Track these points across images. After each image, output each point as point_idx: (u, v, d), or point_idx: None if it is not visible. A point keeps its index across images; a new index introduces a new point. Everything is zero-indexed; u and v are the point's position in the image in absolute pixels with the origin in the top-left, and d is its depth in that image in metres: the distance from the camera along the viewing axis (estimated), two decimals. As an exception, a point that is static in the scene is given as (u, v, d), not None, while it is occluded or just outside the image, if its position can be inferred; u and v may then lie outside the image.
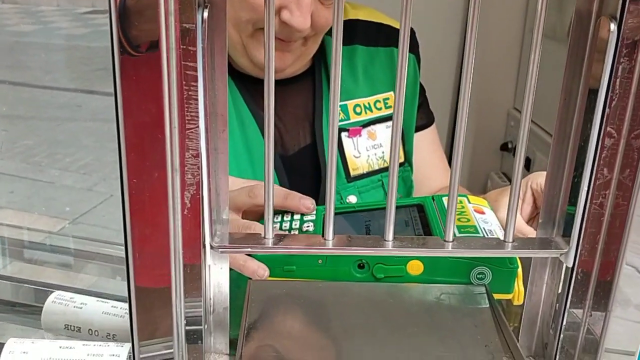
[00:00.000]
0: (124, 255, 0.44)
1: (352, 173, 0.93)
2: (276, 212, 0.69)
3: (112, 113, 0.38)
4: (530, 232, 0.70)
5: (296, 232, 0.65)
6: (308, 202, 0.67)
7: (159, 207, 0.41)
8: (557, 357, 0.50)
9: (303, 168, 0.92)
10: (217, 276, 0.49)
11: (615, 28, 0.41)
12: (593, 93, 0.44)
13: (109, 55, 0.38)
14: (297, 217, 0.68)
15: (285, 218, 0.68)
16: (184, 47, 0.39)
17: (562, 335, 0.49)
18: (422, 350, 0.51)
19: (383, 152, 0.95)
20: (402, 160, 0.99)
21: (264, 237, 0.46)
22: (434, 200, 0.68)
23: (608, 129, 0.43)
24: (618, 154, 0.43)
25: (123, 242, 0.43)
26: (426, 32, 1.08)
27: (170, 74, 0.39)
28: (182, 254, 0.43)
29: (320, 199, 0.90)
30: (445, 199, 0.67)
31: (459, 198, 0.68)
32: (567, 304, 0.48)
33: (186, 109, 0.41)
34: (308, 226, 0.66)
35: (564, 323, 0.49)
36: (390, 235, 0.46)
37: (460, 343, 0.52)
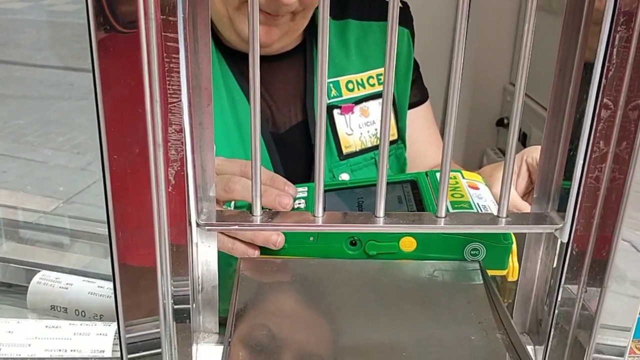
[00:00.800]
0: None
1: (345, 151, 0.91)
2: None
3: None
4: (525, 207, 0.69)
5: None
6: (284, 200, 0.62)
7: (141, 184, 0.40)
8: (552, 333, 0.49)
9: (295, 146, 0.91)
10: (204, 254, 0.48)
11: (613, -5, 0.40)
12: (589, 64, 0.42)
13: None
14: None
15: (276, 195, 0.67)
16: (164, 17, 0.38)
17: (556, 312, 0.48)
18: (415, 327, 0.50)
19: (376, 130, 0.94)
20: (395, 137, 0.97)
21: (252, 215, 0.45)
22: (427, 176, 0.67)
23: (604, 100, 0.42)
24: (615, 126, 0.42)
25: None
26: (421, 7, 1.06)
27: (149, 45, 0.37)
28: (167, 232, 0.42)
29: (312, 177, 0.89)
30: (438, 175, 0.66)
31: (452, 174, 0.67)
32: (562, 279, 0.47)
33: (168, 82, 0.39)
34: (299, 203, 0.65)
35: (559, 299, 0.48)
36: (381, 211, 0.45)
37: (453, 320, 0.52)
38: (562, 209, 0.46)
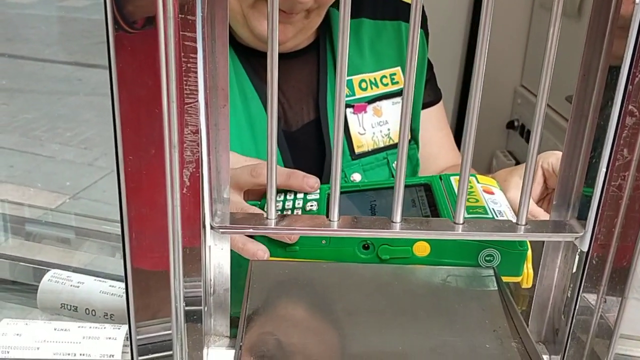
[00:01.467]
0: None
1: (357, 150, 0.90)
2: (279, 191, 0.67)
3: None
4: (540, 213, 0.68)
5: (299, 212, 0.63)
6: (312, 181, 0.65)
7: (156, 186, 0.39)
8: (569, 343, 0.48)
9: (307, 144, 0.90)
10: (217, 257, 0.47)
11: (641, -1, 0.39)
12: (614, 69, 0.41)
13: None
14: (300, 196, 0.66)
15: (288, 197, 0.66)
16: (183, 16, 0.37)
17: (574, 321, 0.48)
18: (428, 334, 0.50)
19: (389, 129, 0.93)
20: (408, 138, 0.96)
21: (267, 217, 0.44)
22: (441, 179, 0.66)
23: (630, 107, 0.41)
24: (639, 134, 0.41)
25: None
26: (433, 6, 1.05)
27: (167, 44, 0.36)
28: (181, 235, 0.41)
29: (324, 177, 0.88)
30: (453, 179, 0.65)
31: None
32: (581, 288, 0.46)
33: (185, 82, 0.39)
34: (312, 205, 0.64)
35: (577, 308, 0.47)
36: (398, 216, 0.44)
37: (467, 327, 0.51)
38: (582, 217, 0.45)
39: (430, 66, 1.01)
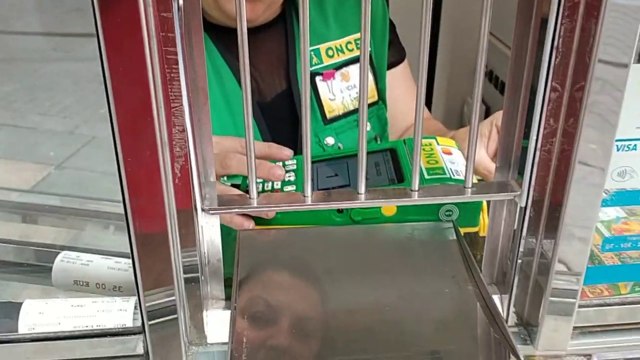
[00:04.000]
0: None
1: (328, 115, 0.97)
2: None
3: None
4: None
5: (279, 184, 0.70)
6: (277, 172, 0.69)
7: (153, 181, 0.46)
8: (515, 282, 0.56)
9: (281, 114, 0.96)
10: (209, 233, 0.54)
11: (557, -8, 0.45)
12: (540, 51, 0.48)
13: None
14: None
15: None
16: (164, 34, 0.43)
17: (518, 264, 0.56)
18: (397, 284, 0.57)
19: (357, 92, 0.99)
20: (375, 99, 1.02)
21: (250, 197, 0.51)
22: (405, 143, 0.73)
23: (553, 83, 0.48)
24: (562, 106, 0.48)
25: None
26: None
27: (153, 60, 0.42)
28: (177, 218, 0.48)
29: (299, 143, 0.95)
30: (415, 142, 0.72)
31: (428, 140, 0.73)
32: (522, 237, 0.54)
33: (170, 89, 0.45)
34: (290, 176, 0.71)
35: (520, 253, 0.55)
36: (362, 188, 0.51)
37: (430, 275, 0.59)
38: (520, 177, 0.53)
39: (392, 27, 1.06)
